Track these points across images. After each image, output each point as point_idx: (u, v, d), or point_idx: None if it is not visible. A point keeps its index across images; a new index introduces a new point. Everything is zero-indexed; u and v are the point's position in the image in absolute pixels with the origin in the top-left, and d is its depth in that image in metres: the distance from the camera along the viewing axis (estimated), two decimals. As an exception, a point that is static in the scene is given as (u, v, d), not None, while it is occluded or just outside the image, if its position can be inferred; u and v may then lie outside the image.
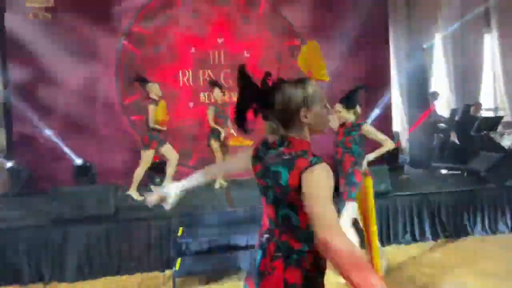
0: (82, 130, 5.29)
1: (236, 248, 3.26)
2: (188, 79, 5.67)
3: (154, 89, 4.19)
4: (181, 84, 5.67)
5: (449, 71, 8.30)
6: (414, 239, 3.87)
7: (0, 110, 5.38)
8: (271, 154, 1.31)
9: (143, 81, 4.24)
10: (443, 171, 6.00)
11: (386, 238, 3.82)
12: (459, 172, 5.72)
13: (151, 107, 4.10)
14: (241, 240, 3.32)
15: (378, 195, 3.80)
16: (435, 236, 3.91)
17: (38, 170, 5.19)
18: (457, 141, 6.68)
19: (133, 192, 4.15)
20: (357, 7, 6.12)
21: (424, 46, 6.30)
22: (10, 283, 3.13)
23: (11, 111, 5.34)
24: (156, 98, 4.16)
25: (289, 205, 1.24)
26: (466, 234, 3.94)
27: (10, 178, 5.13)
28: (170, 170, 4.25)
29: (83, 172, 5.14)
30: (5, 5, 5.18)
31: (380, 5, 6.57)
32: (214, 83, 4.74)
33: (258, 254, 1.33)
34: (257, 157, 1.37)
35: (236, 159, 1.57)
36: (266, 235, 1.33)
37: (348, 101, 2.94)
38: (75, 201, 3.34)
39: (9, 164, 5.14)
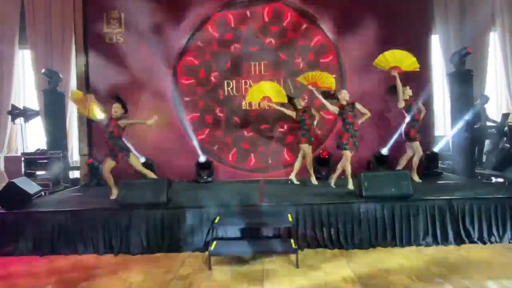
0: (146, 133, 6.22)
1: (262, 237, 3.81)
2: (232, 88, 6.41)
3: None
4: (225, 93, 6.42)
5: (507, 71, 7.86)
6: (436, 242, 3.93)
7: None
8: None
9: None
10: (491, 179, 5.83)
11: (407, 239, 3.96)
12: (503, 180, 5.56)
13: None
14: (267, 230, 3.87)
15: (398, 198, 4.07)
16: (457, 241, 3.93)
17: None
18: (508, 147, 6.40)
19: (313, 179, 5.52)
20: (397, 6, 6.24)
21: (469, 49, 6.13)
22: (90, 252, 4.01)
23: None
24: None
25: None
26: (491, 241, 3.93)
27: (90, 171, 6.34)
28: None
29: (146, 168, 6.11)
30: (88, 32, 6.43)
31: (426, 5, 6.57)
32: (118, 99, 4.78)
33: None
34: None
35: None
36: None
37: None
38: (138, 191, 4.14)
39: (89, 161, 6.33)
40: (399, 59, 4.95)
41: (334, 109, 5.01)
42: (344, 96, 4.99)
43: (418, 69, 5.00)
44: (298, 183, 5.55)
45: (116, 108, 4.71)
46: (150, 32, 6.31)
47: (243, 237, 3.87)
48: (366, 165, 6.16)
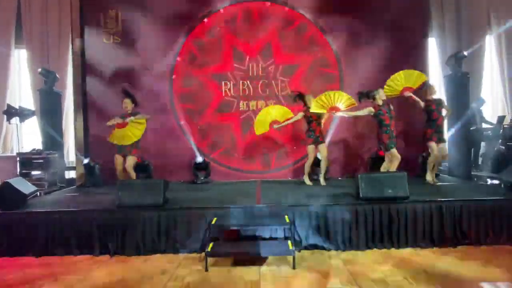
0: (144, 134, 6.24)
1: (259, 238, 3.79)
2: (229, 89, 6.41)
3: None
4: (223, 94, 6.41)
5: (503, 74, 7.90)
6: (432, 244, 3.93)
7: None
8: None
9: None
10: (487, 181, 5.86)
11: (404, 241, 3.97)
12: (499, 182, 5.58)
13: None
14: (264, 232, 3.85)
15: (396, 200, 4.08)
16: (453, 243, 3.94)
17: (107, 166, 6.27)
18: (504, 149, 6.43)
19: (307, 179, 5.54)
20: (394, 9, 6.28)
21: (465, 53, 6.16)
22: (85, 254, 3.97)
23: (88, 117, 6.51)
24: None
25: None
26: (487, 243, 3.95)
27: (86, 172, 6.29)
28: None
29: (143, 169, 6.10)
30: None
31: (422, 8, 6.63)
32: (126, 94, 4.97)
33: None
34: None
35: None
36: None
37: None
38: (135, 192, 4.13)
39: (85, 161, 6.28)
40: (404, 80, 4.94)
41: (368, 111, 4.81)
42: (382, 95, 4.78)
43: (426, 79, 4.98)
44: (325, 184, 5.43)
45: (127, 103, 4.72)
46: (146, 32, 6.29)
47: (240, 238, 3.86)
48: (364, 166, 6.19)
